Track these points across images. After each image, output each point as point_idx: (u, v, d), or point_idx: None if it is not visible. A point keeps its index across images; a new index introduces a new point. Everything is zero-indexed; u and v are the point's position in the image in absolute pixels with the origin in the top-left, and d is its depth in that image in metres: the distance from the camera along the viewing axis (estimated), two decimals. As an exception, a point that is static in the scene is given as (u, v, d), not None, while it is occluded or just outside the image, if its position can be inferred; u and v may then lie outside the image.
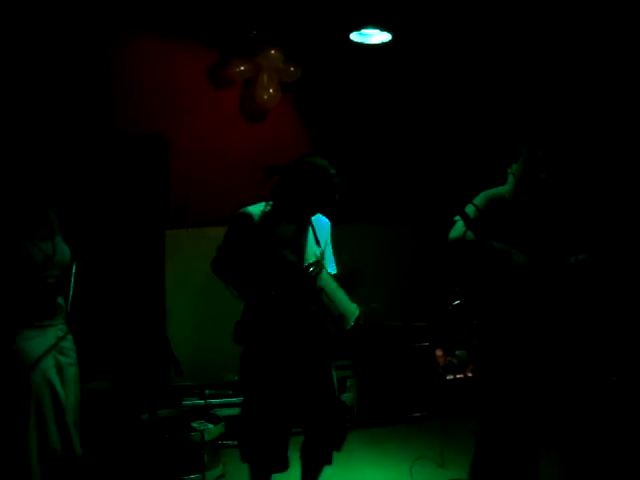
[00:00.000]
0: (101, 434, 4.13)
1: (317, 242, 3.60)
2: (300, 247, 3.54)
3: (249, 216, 3.52)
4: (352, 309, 3.46)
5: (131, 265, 5.31)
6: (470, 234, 3.47)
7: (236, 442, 3.63)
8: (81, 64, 5.29)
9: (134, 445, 4.21)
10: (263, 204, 3.58)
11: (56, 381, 3.26)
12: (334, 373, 3.66)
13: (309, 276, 3.36)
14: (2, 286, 3.25)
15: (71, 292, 3.33)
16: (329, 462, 3.68)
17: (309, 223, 3.62)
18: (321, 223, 3.70)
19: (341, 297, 3.45)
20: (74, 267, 3.42)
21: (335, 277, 3.60)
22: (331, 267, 3.70)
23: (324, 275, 3.42)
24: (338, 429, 3.61)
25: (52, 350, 3.28)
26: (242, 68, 5.75)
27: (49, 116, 5.02)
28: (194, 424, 4.59)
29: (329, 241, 3.74)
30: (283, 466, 3.57)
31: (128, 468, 4.16)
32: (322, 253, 3.62)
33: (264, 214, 3.53)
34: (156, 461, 4.18)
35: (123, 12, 5.41)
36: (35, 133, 4.73)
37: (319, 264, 3.42)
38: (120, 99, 5.48)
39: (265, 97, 5.83)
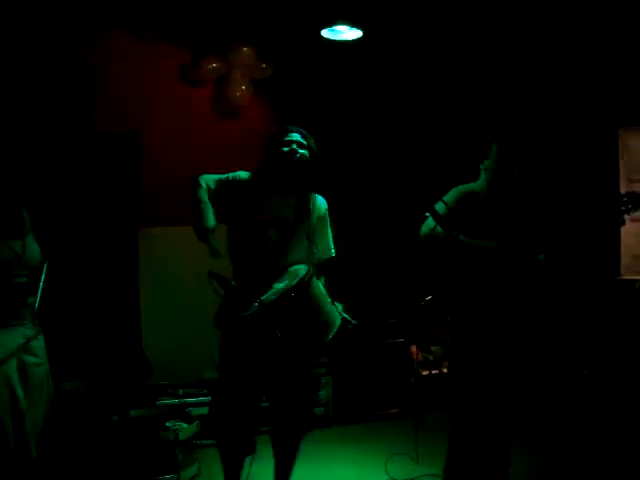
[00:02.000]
0: (73, 435, 4.09)
1: (309, 227, 3.55)
2: (289, 226, 3.51)
3: (239, 175, 3.60)
4: (335, 315, 3.42)
5: (104, 264, 5.27)
6: (439, 229, 3.48)
7: (211, 441, 3.63)
8: (54, 62, 5.24)
9: (107, 446, 4.18)
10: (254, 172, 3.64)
11: (17, 384, 3.20)
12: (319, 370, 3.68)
13: (302, 285, 3.33)
14: None
15: (39, 292, 3.28)
16: (298, 445, 3.66)
17: (308, 202, 3.59)
18: (315, 199, 3.66)
19: (325, 304, 3.41)
20: (45, 267, 3.38)
21: (332, 260, 3.67)
22: (328, 251, 3.71)
23: (313, 282, 3.39)
24: (304, 405, 3.62)
25: (16, 351, 3.23)
26: (214, 65, 5.74)
27: (21, 114, 4.96)
28: (168, 424, 4.56)
29: (326, 222, 3.71)
30: (250, 448, 3.58)
31: (101, 469, 4.13)
32: (312, 233, 3.58)
33: (253, 181, 3.57)
34: (130, 461, 4.16)
35: (96, 11, 5.37)
36: (7, 131, 4.66)
37: (309, 272, 3.39)
38: (93, 97, 5.44)
39: (237, 94, 5.82)
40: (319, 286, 3.45)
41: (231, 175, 3.62)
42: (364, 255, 6.44)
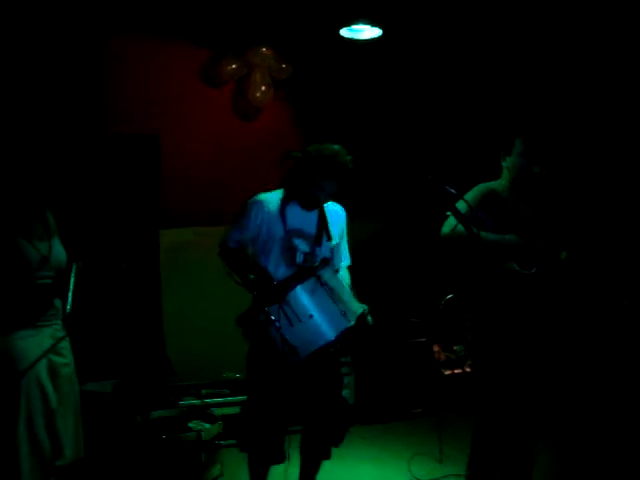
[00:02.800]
0: (97, 436, 4.11)
1: (328, 234, 3.61)
2: (312, 237, 3.57)
3: (260, 202, 3.56)
4: (355, 306, 3.41)
5: (126, 265, 5.29)
6: (461, 228, 3.46)
7: (234, 441, 3.64)
8: (74, 65, 5.27)
9: (130, 446, 4.19)
10: (277, 191, 3.63)
11: (48, 384, 3.23)
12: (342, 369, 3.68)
13: (311, 270, 3.35)
14: None
15: (70, 293, 3.30)
16: (327, 457, 3.70)
17: (323, 212, 3.63)
18: (336, 214, 3.72)
19: (344, 294, 3.40)
20: (74, 268, 3.39)
21: (348, 269, 3.71)
22: (345, 259, 3.77)
23: (329, 272, 3.42)
24: (338, 425, 3.63)
25: (46, 352, 3.26)
26: (234, 67, 5.74)
27: (43, 117, 5.00)
28: (191, 424, 4.56)
29: (345, 232, 3.77)
30: (280, 458, 3.60)
31: (125, 470, 4.14)
32: (335, 246, 3.67)
33: (277, 201, 3.57)
34: (153, 462, 4.16)
35: (115, 12, 5.38)
36: (31, 133, 4.69)
37: (324, 262, 3.45)
38: (113, 100, 5.47)
39: (257, 95, 5.82)
40: (337, 277, 3.48)
41: (253, 211, 3.57)
42: (386, 253, 6.42)
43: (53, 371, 3.29)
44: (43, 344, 3.26)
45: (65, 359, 3.38)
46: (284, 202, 3.58)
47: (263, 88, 5.81)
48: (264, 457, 3.61)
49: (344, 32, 5.60)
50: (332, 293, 3.30)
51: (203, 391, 5.18)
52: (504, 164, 3.87)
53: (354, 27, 5.54)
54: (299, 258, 3.53)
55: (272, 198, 3.60)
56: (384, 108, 6.41)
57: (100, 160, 5.28)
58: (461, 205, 3.49)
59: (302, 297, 3.26)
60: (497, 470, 3.75)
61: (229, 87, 5.93)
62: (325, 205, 3.66)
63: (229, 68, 5.73)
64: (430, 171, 3.26)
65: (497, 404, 3.64)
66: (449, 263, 3.87)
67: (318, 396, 3.56)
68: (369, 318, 3.43)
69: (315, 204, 3.61)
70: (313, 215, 3.62)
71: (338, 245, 3.71)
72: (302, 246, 3.54)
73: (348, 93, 6.26)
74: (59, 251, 3.39)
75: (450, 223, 3.59)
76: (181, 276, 5.59)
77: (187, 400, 5.07)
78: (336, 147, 3.53)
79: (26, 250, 3.24)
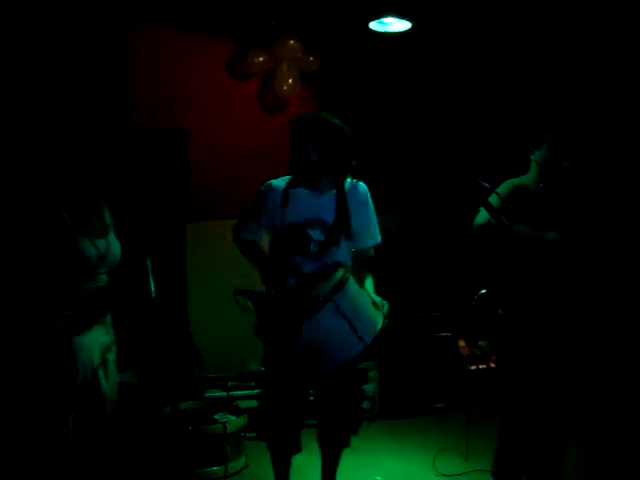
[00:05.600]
0: (124, 427, 4.14)
1: (347, 221, 3.42)
2: (326, 225, 3.40)
3: (270, 188, 3.45)
4: (374, 322, 3.21)
5: (153, 258, 5.31)
6: (494, 221, 3.44)
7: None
8: (102, 59, 5.27)
9: (157, 437, 4.22)
10: (286, 178, 3.49)
11: (102, 378, 3.29)
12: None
13: (335, 290, 3.11)
14: (56, 283, 3.22)
15: (152, 287, 3.31)
16: (347, 444, 3.64)
17: (341, 194, 3.44)
18: (354, 193, 3.49)
19: (364, 314, 3.20)
20: (148, 263, 3.39)
21: (377, 247, 3.54)
22: (373, 238, 3.56)
23: (349, 287, 3.17)
24: (352, 415, 3.61)
25: (101, 347, 3.31)
26: (261, 59, 5.73)
27: (76, 112, 5.02)
28: (216, 416, 4.60)
29: (369, 207, 3.54)
30: (296, 448, 3.59)
31: (151, 460, 4.18)
32: (359, 227, 3.46)
33: (287, 185, 3.44)
34: (179, 453, 4.20)
35: (140, 5, 5.40)
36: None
37: (347, 272, 3.18)
38: (139, 93, 5.46)
39: (285, 88, 5.81)
40: (356, 288, 3.25)
41: (264, 198, 3.47)
42: (411, 247, 6.39)
43: (105, 366, 3.35)
44: (99, 340, 3.33)
45: (113, 356, 3.44)
46: (291, 187, 3.43)
47: (290, 81, 5.80)
48: (280, 447, 3.61)
49: (373, 25, 5.57)
50: (349, 315, 3.11)
51: (229, 383, 5.20)
52: (532, 158, 3.84)
53: (383, 20, 5.51)
54: (313, 248, 3.38)
55: (281, 184, 3.46)
56: (413, 101, 6.38)
57: (128, 154, 5.30)
58: (493, 199, 3.47)
59: (315, 327, 3.11)
60: (524, 467, 3.73)
61: (256, 80, 5.92)
62: (344, 185, 3.46)
63: (256, 60, 5.72)
64: (463, 164, 3.23)
65: (526, 400, 3.62)
66: (479, 257, 3.84)
67: (332, 388, 3.52)
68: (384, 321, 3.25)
69: (317, 179, 3.41)
70: (327, 199, 3.44)
71: (361, 225, 3.49)
72: (316, 235, 3.38)
73: (376, 86, 6.23)
74: (115, 248, 3.40)
75: (484, 215, 3.57)
76: (207, 269, 5.61)
77: (213, 392, 5.11)
78: (327, 115, 3.48)
79: (85, 248, 3.24)
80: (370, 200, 3.55)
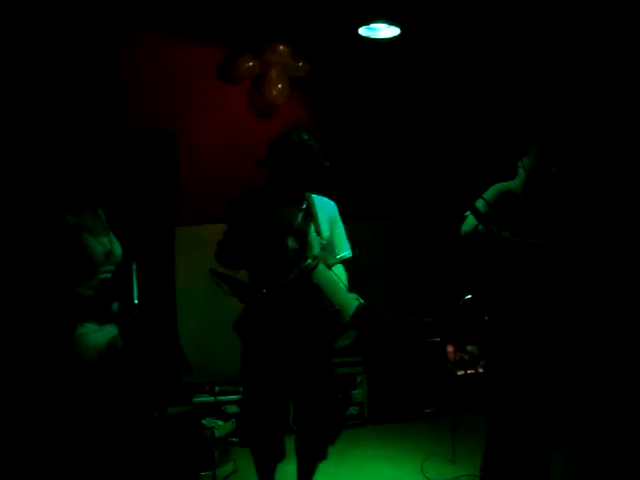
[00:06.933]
0: (112, 432, 4.13)
1: (317, 229, 3.54)
2: (302, 234, 3.52)
3: (240, 202, 3.57)
4: (350, 302, 3.40)
5: (141, 262, 5.30)
6: (482, 228, 3.45)
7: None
8: (91, 63, 5.26)
9: (145, 442, 4.20)
10: (260, 190, 3.62)
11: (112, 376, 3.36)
12: (337, 369, 3.67)
13: (304, 273, 3.36)
14: (66, 281, 3.29)
15: (135, 292, 3.35)
16: (323, 457, 3.68)
17: (310, 206, 3.58)
18: (323, 206, 3.65)
19: (338, 291, 3.41)
20: (133, 267, 3.42)
21: (349, 260, 3.65)
22: (342, 251, 3.67)
23: (321, 269, 3.40)
24: (331, 425, 3.61)
25: (110, 346, 3.35)
26: (250, 64, 5.73)
27: (71, 114, 5.01)
28: (204, 421, 4.58)
29: (338, 224, 3.68)
30: (280, 455, 3.61)
31: (139, 465, 4.15)
32: (328, 239, 3.58)
33: (259, 198, 3.55)
34: (167, 458, 4.18)
35: (131, 9, 5.39)
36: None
37: (315, 259, 3.41)
38: (129, 96, 5.46)
39: (274, 93, 5.81)
40: (327, 272, 3.44)
41: (235, 212, 3.60)
42: (399, 253, 6.40)
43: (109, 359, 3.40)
44: (109, 337, 3.39)
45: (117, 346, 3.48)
46: (267, 199, 3.55)
47: (279, 86, 5.80)
48: (262, 454, 3.62)
49: (362, 31, 5.58)
50: (324, 287, 3.35)
51: (217, 388, 5.19)
52: (520, 164, 3.85)
53: (372, 26, 5.53)
54: (288, 255, 3.47)
55: (254, 196, 3.58)
56: (401, 107, 6.39)
57: (117, 156, 5.28)
58: (480, 204, 3.48)
59: (291, 300, 3.37)
60: (511, 471, 3.73)
61: (245, 84, 5.92)
62: (312, 199, 3.61)
63: (246, 65, 5.72)
64: (448, 171, 3.25)
65: (513, 405, 3.63)
66: (466, 263, 3.85)
67: (309, 396, 3.55)
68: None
69: (295, 195, 3.56)
70: (299, 210, 3.56)
71: (331, 238, 3.62)
72: (291, 243, 3.48)
73: (365, 92, 6.25)
74: (117, 246, 3.54)
75: (470, 222, 3.58)
76: (196, 273, 5.59)
77: (201, 397, 5.09)
78: (298, 132, 3.59)
79: (92, 245, 3.34)
80: (338, 216, 3.70)
